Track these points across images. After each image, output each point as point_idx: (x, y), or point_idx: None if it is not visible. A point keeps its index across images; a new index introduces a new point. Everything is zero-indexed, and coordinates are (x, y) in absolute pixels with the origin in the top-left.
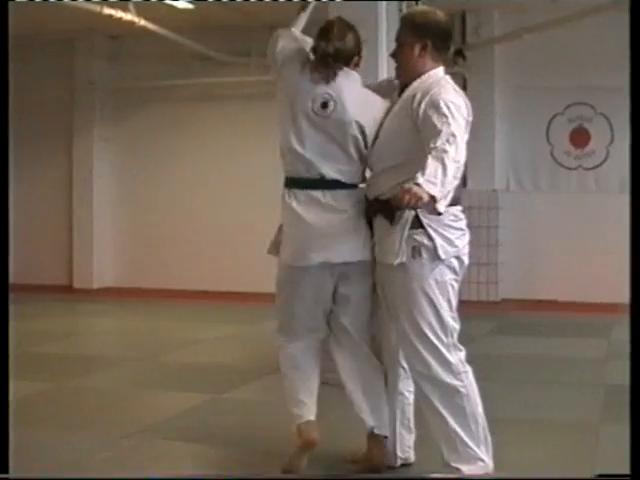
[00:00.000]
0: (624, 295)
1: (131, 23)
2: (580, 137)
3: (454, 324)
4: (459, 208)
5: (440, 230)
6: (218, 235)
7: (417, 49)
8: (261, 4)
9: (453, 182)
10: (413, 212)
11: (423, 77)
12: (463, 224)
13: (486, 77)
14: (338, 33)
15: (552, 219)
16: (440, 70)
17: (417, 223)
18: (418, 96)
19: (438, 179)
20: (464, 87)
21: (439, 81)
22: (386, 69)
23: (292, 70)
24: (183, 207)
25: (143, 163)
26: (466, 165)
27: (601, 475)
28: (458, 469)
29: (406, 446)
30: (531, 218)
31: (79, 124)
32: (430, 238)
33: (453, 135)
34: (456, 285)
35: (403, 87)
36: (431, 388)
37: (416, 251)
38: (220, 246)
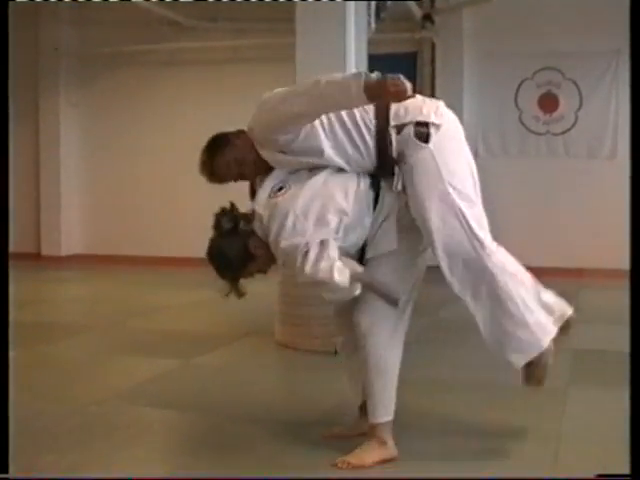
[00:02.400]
0: (591, 260)
1: None
2: (549, 102)
3: None
4: None
5: None
6: (187, 201)
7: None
8: None
9: None
10: None
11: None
12: None
13: (454, 42)
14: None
15: (521, 184)
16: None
17: None
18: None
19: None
20: (432, 52)
21: None
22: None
23: None
24: (152, 173)
25: (111, 128)
26: None
27: (601, 475)
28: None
29: None
30: (500, 183)
31: (45, 90)
32: None
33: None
34: None
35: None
36: None
37: None
38: (189, 212)
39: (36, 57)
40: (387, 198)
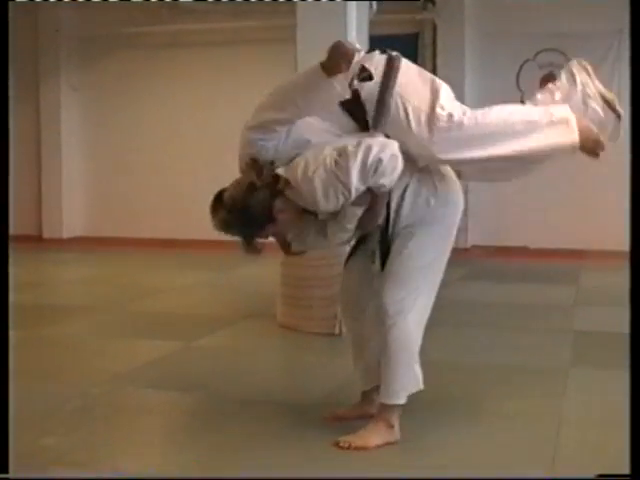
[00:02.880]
0: (593, 242)
1: None
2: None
3: None
4: None
5: None
6: (188, 183)
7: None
8: None
9: None
10: None
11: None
12: None
13: (456, 23)
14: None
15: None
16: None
17: None
18: None
19: None
20: (434, 34)
21: None
22: None
23: None
24: (153, 155)
25: (112, 111)
26: None
27: (601, 475)
28: None
29: None
30: None
31: (45, 73)
32: None
33: None
34: None
35: None
36: None
37: None
38: (190, 194)
39: (36, 39)
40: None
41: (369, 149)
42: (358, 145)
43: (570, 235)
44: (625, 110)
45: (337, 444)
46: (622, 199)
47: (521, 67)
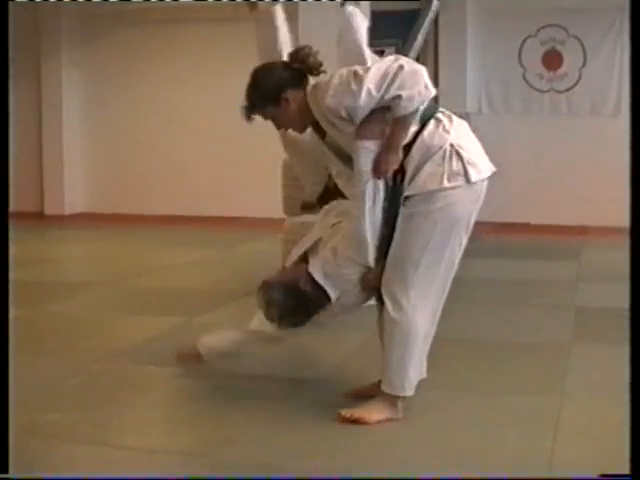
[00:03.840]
0: (595, 218)
1: None
2: (552, 59)
3: None
4: None
5: None
6: (190, 160)
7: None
8: None
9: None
10: None
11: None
12: None
13: None
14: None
15: (524, 142)
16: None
17: None
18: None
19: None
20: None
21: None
22: None
23: None
24: (155, 131)
25: (113, 87)
26: (438, 88)
27: (604, 475)
28: None
29: None
30: (503, 141)
31: (47, 49)
32: None
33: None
34: None
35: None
36: None
37: None
38: (193, 171)
39: (37, 16)
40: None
41: (396, 59)
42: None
43: (572, 211)
44: (626, 90)
45: (339, 415)
46: (624, 175)
47: (523, 43)
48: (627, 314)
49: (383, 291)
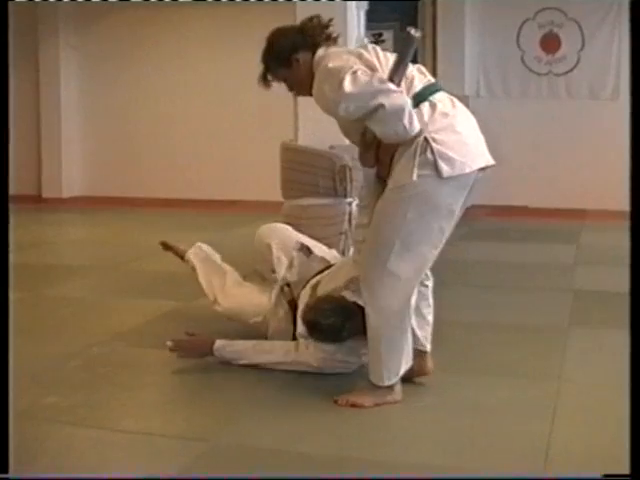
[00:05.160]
0: (594, 201)
1: None
2: (551, 43)
3: None
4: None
5: None
6: (188, 142)
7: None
8: None
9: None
10: None
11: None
12: None
13: None
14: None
15: (522, 125)
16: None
17: None
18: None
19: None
20: None
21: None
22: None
23: None
24: (153, 114)
25: (112, 69)
26: (436, 71)
27: (607, 475)
28: None
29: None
30: (501, 124)
31: (44, 32)
32: None
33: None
34: None
35: None
36: None
37: None
38: (191, 153)
39: None
40: None
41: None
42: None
43: (570, 194)
44: (625, 73)
45: (335, 401)
46: (623, 158)
47: (521, 26)
48: (626, 298)
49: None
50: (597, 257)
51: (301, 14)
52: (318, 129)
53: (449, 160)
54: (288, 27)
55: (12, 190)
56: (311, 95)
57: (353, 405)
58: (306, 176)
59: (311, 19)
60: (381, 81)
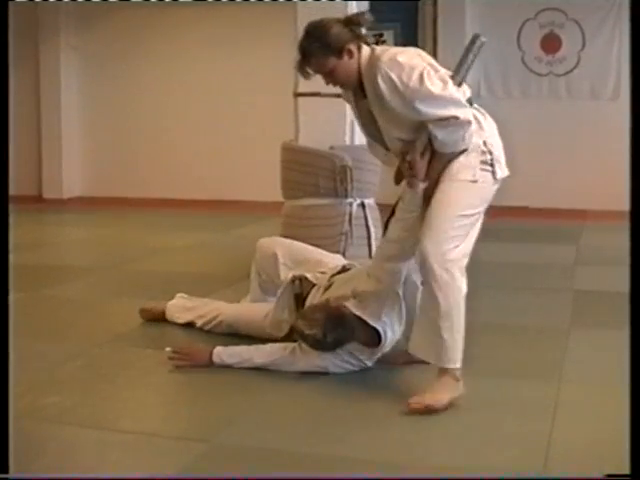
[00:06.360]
0: (594, 201)
1: None
2: (551, 43)
3: None
4: None
5: None
6: (188, 143)
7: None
8: None
9: None
10: None
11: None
12: None
13: None
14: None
15: (523, 125)
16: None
17: None
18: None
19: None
20: None
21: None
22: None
23: None
24: (153, 115)
25: (112, 70)
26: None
27: (610, 475)
28: None
29: None
30: (502, 124)
31: (44, 32)
32: None
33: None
34: None
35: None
36: None
37: None
38: (190, 154)
39: None
40: None
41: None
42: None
43: (570, 195)
44: (625, 73)
45: (408, 406)
46: (624, 158)
47: (522, 26)
48: (626, 298)
49: (423, 260)
50: (597, 257)
51: (301, 14)
52: (318, 129)
53: (500, 163)
54: (332, 19)
55: (12, 190)
56: (350, 89)
57: (428, 408)
58: (306, 176)
59: (357, 15)
60: (456, 90)
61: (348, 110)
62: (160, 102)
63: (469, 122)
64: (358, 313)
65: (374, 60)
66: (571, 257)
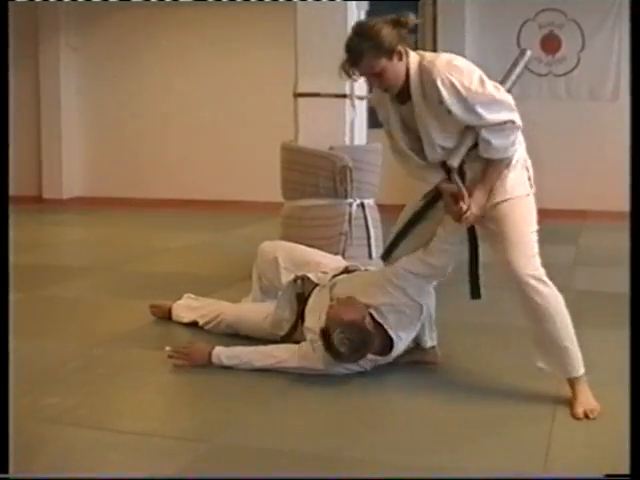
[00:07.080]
0: (594, 202)
1: None
2: (551, 43)
3: None
4: None
5: None
6: (188, 144)
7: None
8: None
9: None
10: None
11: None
12: None
13: None
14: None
15: (522, 125)
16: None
17: None
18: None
19: None
20: None
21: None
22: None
23: None
24: (153, 115)
25: (112, 71)
26: None
27: (609, 475)
28: None
29: None
30: None
31: (44, 33)
32: None
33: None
34: None
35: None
36: None
37: None
38: (190, 154)
39: None
40: None
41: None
42: None
43: (570, 195)
44: (625, 74)
45: (574, 414)
46: (623, 159)
47: (521, 27)
48: (626, 298)
49: (519, 278)
50: (597, 258)
51: (301, 14)
52: (318, 130)
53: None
54: (380, 19)
55: (12, 191)
56: (395, 92)
57: (593, 412)
58: (306, 177)
59: (404, 16)
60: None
61: (348, 110)
62: (160, 102)
63: (520, 127)
64: (380, 321)
65: (427, 64)
66: (571, 257)
